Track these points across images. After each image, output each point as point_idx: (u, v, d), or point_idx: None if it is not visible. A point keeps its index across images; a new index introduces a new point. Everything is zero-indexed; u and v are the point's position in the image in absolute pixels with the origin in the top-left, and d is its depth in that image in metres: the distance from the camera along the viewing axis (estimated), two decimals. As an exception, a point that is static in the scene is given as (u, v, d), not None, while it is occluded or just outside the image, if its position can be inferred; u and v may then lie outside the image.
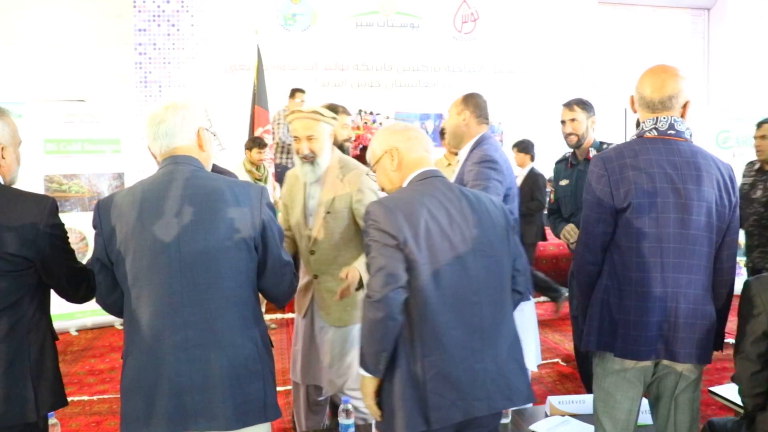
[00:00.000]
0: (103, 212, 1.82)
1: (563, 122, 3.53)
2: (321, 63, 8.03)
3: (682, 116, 2.12)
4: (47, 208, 1.90)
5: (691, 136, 2.13)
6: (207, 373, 1.77)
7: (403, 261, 1.81)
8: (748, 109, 7.39)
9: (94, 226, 1.83)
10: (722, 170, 2.09)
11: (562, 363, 4.78)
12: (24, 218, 1.85)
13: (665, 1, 9.29)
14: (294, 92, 6.84)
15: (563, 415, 2.75)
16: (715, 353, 2.14)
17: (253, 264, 1.87)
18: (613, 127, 8.53)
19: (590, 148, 3.48)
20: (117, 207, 1.81)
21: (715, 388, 3.14)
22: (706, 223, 2.05)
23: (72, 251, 2.04)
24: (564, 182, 3.60)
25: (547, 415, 2.78)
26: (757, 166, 4.19)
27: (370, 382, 1.88)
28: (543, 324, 5.46)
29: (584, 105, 3.51)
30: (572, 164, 3.58)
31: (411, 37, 8.25)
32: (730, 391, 3.06)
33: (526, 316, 3.00)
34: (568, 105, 3.53)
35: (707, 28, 9.64)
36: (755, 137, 4.13)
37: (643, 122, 2.14)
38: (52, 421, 2.21)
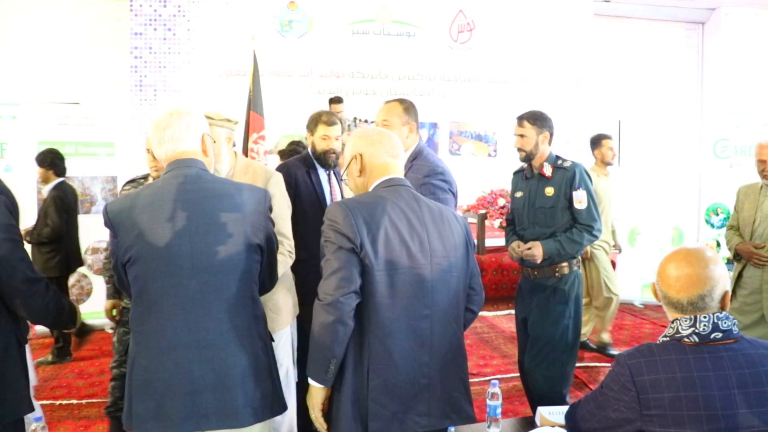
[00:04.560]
0: (113, 216, 1.87)
1: (514, 135, 3.43)
2: (316, 70, 8.04)
3: None
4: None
5: None
6: (220, 373, 1.82)
7: (358, 265, 1.77)
8: (749, 116, 7.26)
9: (107, 227, 1.89)
10: None
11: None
12: None
13: (660, 14, 9.36)
14: (330, 102, 6.77)
15: (553, 426, 2.74)
16: None
17: (257, 264, 1.94)
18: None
19: (545, 163, 3.35)
20: (127, 211, 1.85)
21: None
22: None
23: (25, 253, 2.12)
24: (519, 194, 3.49)
25: (537, 426, 2.77)
26: None
27: (318, 392, 1.84)
28: (510, 338, 5.50)
29: (535, 120, 3.36)
30: (527, 177, 3.46)
31: (407, 46, 8.27)
32: None
33: None
34: (519, 119, 3.41)
35: (701, 42, 9.71)
36: None
37: None
38: (40, 424, 2.20)
